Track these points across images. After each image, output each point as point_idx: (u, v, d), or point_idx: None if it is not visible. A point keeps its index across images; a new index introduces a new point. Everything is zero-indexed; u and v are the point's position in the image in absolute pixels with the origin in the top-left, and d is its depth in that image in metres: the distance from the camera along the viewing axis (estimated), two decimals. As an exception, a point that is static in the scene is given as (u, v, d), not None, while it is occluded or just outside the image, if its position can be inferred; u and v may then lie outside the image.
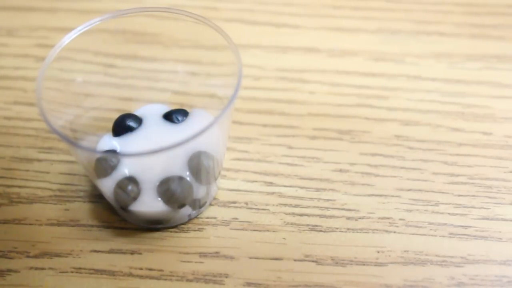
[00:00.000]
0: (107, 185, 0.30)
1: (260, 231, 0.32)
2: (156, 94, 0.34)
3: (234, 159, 0.35)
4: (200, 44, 0.31)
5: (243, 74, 0.28)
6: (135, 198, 0.29)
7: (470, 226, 0.33)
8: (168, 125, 0.31)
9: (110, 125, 0.32)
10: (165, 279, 0.31)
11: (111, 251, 0.32)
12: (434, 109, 0.38)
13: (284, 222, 0.33)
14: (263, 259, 0.31)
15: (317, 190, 0.34)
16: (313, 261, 0.31)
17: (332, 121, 0.37)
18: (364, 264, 0.31)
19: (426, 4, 0.45)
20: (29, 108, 0.38)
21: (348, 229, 0.32)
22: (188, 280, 0.31)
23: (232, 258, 0.31)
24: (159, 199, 0.30)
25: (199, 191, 0.31)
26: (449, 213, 0.33)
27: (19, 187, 0.34)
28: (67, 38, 0.30)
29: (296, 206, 0.33)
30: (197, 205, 0.32)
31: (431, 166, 0.35)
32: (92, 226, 0.33)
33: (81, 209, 0.33)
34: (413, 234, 0.32)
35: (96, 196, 0.33)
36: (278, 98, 0.39)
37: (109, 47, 0.30)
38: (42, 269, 0.31)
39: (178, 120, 0.31)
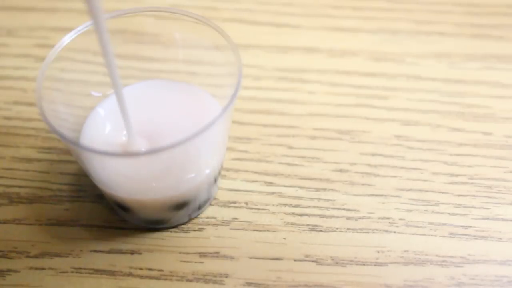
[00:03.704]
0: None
1: (260, 231, 0.32)
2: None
3: (234, 159, 0.35)
4: (200, 44, 0.31)
5: (243, 74, 0.28)
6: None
7: (470, 226, 0.33)
8: (167, 102, 0.32)
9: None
10: (165, 279, 0.31)
11: (111, 251, 0.32)
12: (434, 109, 0.38)
13: (284, 222, 0.33)
14: (263, 259, 0.31)
15: (317, 190, 0.34)
16: (313, 261, 0.31)
17: (332, 121, 0.37)
18: (364, 264, 0.31)
19: (426, 4, 0.45)
20: (29, 108, 0.38)
21: (348, 229, 0.32)
22: (188, 280, 0.31)
23: (232, 258, 0.31)
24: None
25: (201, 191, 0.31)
26: (449, 213, 0.33)
27: (19, 187, 0.34)
28: (67, 38, 0.30)
29: (296, 206, 0.33)
30: (197, 205, 0.32)
31: (431, 166, 0.35)
32: (92, 226, 0.33)
33: (81, 209, 0.33)
34: (413, 234, 0.32)
35: (96, 196, 0.34)
36: (278, 98, 0.39)
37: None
38: (42, 269, 0.31)
39: None
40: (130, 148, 0.29)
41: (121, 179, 0.29)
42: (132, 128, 0.29)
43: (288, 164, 0.35)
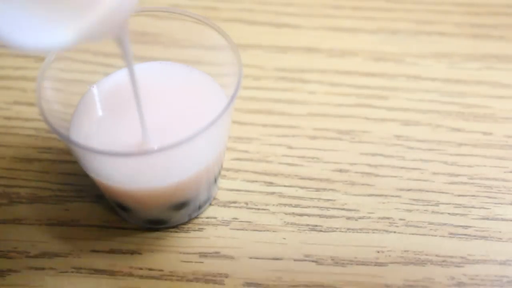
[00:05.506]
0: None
1: (260, 231, 0.32)
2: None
3: (234, 159, 0.35)
4: (200, 44, 0.31)
5: (243, 74, 0.28)
6: None
7: (470, 226, 0.33)
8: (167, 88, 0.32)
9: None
10: (165, 279, 0.31)
11: (111, 251, 0.32)
12: (434, 109, 0.38)
13: (284, 222, 0.33)
14: (263, 259, 0.31)
15: (317, 190, 0.34)
16: (313, 261, 0.31)
17: (332, 121, 0.37)
18: (364, 264, 0.31)
19: (426, 4, 0.45)
20: (29, 108, 0.38)
21: (348, 229, 0.32)
22: (188, 280, 0.31)
23: (232, 258, 0.31)
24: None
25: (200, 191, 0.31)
26: (449, 213, 0.33)
27: (19, 187, 0.34)
28: (67, 38, 0.30)
29: (296, 206, 0.33)
30: (197, 205, 0.32)
31: (431, 166, 0.35)
32: (92, 226, 0.33)
33: (81, 209, 0.33)
34: (413, 234, 0.32)
35: (96, 196, 0.34)
36: (278, 98, 0.39)
37: (109, 47, 0.30)
38: (42, 269, 0.31)
39: None
40: (144, 146, 0.29)
41: (122, 176, 0.29)
42: (147, 128, 0.28)
43: (288, 164, 0.35)
